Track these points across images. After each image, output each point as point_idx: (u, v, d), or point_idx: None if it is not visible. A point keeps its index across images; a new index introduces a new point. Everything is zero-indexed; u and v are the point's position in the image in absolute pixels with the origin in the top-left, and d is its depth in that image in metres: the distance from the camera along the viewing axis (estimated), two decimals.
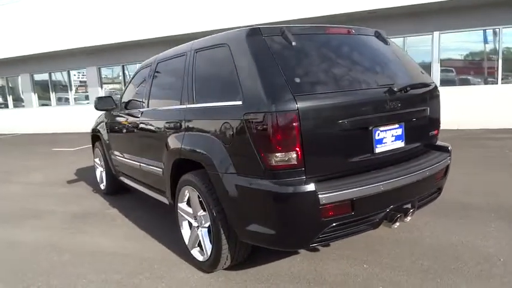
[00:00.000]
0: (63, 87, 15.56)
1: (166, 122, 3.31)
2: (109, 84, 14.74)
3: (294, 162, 2.29)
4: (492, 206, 4.00)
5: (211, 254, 2.87)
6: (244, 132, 2.41)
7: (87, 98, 15.32)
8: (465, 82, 9.71)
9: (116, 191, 5.34)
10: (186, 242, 3.21)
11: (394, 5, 8.78)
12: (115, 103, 4.56)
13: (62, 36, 13.14)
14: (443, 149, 3.06)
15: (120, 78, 14.19)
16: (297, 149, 2.28)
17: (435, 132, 3.07)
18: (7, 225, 4.54)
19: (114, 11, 12.34)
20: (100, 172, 5.59)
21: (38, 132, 15.56)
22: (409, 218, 2.69)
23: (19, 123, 16.14)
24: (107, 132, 4.94)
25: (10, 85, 16.94)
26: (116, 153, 4.73)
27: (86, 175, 6.89)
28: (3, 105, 17.28)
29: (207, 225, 2.95)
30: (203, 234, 2.98)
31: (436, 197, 3.08)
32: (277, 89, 2.31)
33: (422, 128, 2.92)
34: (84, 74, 15.04)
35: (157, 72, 3.76)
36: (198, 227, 3.06)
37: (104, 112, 5.50)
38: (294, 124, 2.26)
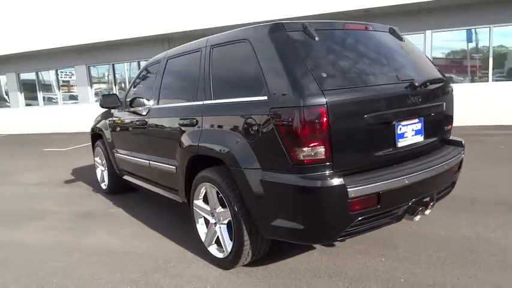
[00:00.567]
0: (46, 87, 15.26)
1: (181, 119, 3.28)
2: (95, 83, 14.53)
3: (322, 156, 2.30)
4: (497, 200, 4.09)
5: (231, 250, 2.85)
6: (270, 127, 2.41)
7: (72, 97, 15.08)
8: (454, 80, 9.89)
9: (119, 190, 5.27)
10: (203, 239, 3.19)
11: (386, 4, 8.88)
12: (120, 101, 4.49)
13: (50, 34, 12.89)
14: (458, 144, 3.11)
15: (110, 77, 14.00)
16: (325, 143, 2.29)
17: (449, 127, 3.12)
18: (9, 226, 4.43)
19: (105, 9, 12.17)
20: (101, 171, 5.50)
21: (25, 132, 15.23)
22: (428, 211, 2.73)
23: (5, 123, 15.76)
24: (110, 130, 4.87)
25: None
26: (121, 151, 4.66)
27: (83, 175, 6.78)
28: None
29: (226, 221, 2.94)
30: (222, 230, 2.97)
31: (450, 191, 3.13)
32: (305, 84, 2.31)
33: (439, 122, 2.96)
34: (68, 73, 14.80)
35: (167, 69, 3.72)
36: (215, 223, 3.04)
37: (105, 110, 5.44)
38: (323, 119, 2.27)
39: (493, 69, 9.33)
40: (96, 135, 5.47)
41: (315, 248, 3.25)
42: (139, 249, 3.52)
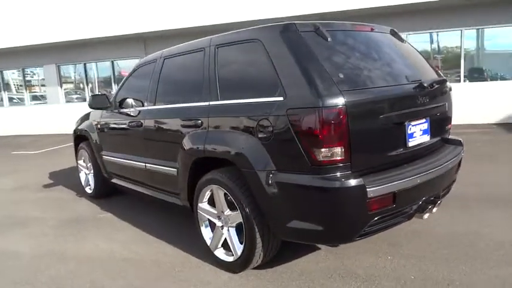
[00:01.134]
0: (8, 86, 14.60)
1: (183, 120, 3.20)
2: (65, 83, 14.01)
3: (341, 157, 2.30)
4: (483, 197, 4.24)
5: (242, 253, 2.80)
6: (287, 128, 2.38)
7: (34, 98, 14.46)
8: None
9: (105, 194, 5.09)
10: (208, 243, 3.12)
11: (367, 5, 9.07)
12: (109, 102, 4.33)
13: (17, 32, 12.30)
14: (457, 143, 3.20)
15: (82, 75, 13.52)
16: (344, 143, 2.29)
17: (449, 126, 3.21)
18: None
19: (77, 6, 11.74)
20: (85, 175, 5.29)
21: None
22: (435, 208, 2.79)
23: None
24: (98, 132, 4.69)
25: None
26: (110, 153, 4.50)
27: (62, 179, 6.50)
28: None
29: (234, 224, 2.89)
30: (231, 233, 2.91)
31: (451, 189, 3.22)
32: (323, 85, 2.30)
33: (442, 122, 3.04)
34: (29, 72, 14.22)
35: (164, 69, 3.62)
36: (222, 226, 2.99)
37: (90, 111, 5.25)
38: (342, 119, 2.27)
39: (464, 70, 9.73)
40: (80, 137, 5.26)
41: (320, 249, 3.25)
42: (139, 255, 3.40)
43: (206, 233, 3.16)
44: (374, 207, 2.34)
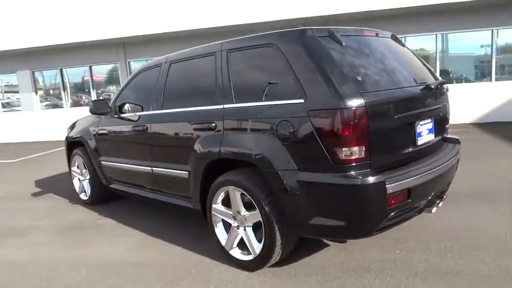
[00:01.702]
0: None
1: (195, 124, 3.25)
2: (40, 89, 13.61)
3: (362, 155, 2.43)
4: (473, 192, 4.49)
5: (261, 252, 2.88)
6: (308, 129, 2.49)
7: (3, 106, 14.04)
8: None
9: (102, 200, 5.05)
10: (223, 243, 3.18)
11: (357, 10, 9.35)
12: (109, 107, 4.31)
13: None
14: (455, 141, 3.41)
15: (52, 81, 13.18)
16: (365, 142, 2.43)
17: (448, 125, 3.41)
18: None
19: (52, 11, 11.47)
20: (79, 181, 5.22)
21: None
22: (441, 203, 2.97)
23: None
24: (96, 138, 4.64)
25: None
26: (110, 159, 4.47)
27: (50, 187, 6.35)
28: None
29: (251, 224, 2.96)
30: (248, 233, 2.99)
31: (450, 184, 3.42)
32: (344, 87, 2.43)
33: (443, 121, 3.23)
34: None
35: (171, 73, 3.66)
36: (238, 226, 3.06)
37: (84, 117, 5.20)
38: (363, 119, 2.40)
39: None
40: (73, 143, 5.18)
41: (329, 245, 3.37)
42: (151, 259, 3.42)
43: (220, 233, 3.21)
44: (392, 203, 2.49)
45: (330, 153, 2.44)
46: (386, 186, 2.41)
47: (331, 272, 2.95)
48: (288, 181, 2.60)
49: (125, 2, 10.95)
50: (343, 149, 2.40)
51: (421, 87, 2.86)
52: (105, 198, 5.04)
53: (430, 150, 3.03)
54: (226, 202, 3.13)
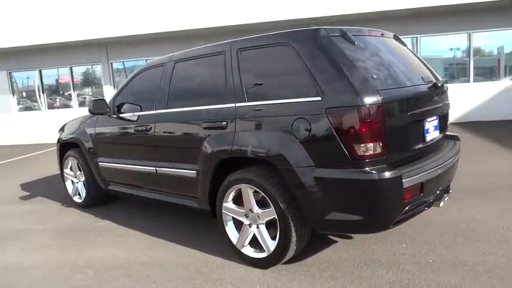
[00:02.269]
0: None
1: (204, 122, 3.25)
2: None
3: (379, 151, 2.50)
4: (466, 188, 4.62)
5: (275, 249, 2.90)
6: (326, 126, 2.54)
7: None
8: None
9: (97, 202, 4.95)
10: (234, 241, 3.18)
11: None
12: (108, 107, 4.25)
13: None
14: (456, 138, 3.53)
15: (35, 84, 12.81)
16: (382, 138, 2.49)
17: (448, 123, 3.54)
18: None
19: (31, 10, 11.15)
20: (73, 183, 5.10)
21: None
22: (447, 197, 3.08)
23: None
24: (93, 138, 4.55)
25: None
26: (109, 160, 4.39)
27: (37, 190, 6.16)
28: None
29: (264, 221, 2.98)
30: (261, 231, 3.00)
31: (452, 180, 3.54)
32: (361, 84, 2.49)
33: (445, 119, 3.34)
34: None
35: (176, 72, 3.64)
36: (250, 224, 3.07)
37: (77, 117, 5.10)
38: (381, 116, 2.47)
39: None
40: (67, 145, 5.06)
41: (337, 241, 3.43)
42: (158, 259, 3.38)
43: (231, 232, 3.21)
44: (407, 197, 2.56)
45: (348, 150, 2.49)
46: (403, 180, 2.49)
47: (344, 266, 3.00)
48: (304, 177, 2.64)
49: (108, 2, 10.76)
50: (362, 145, 2.46)
51: (429, 85, 2.96)
52: (101, 200, 4.96)
53: (435, 146, 3.13)
54: (237, 200, 3.14)
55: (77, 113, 11.81)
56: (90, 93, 12.97)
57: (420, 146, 2.87)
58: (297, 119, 2.67)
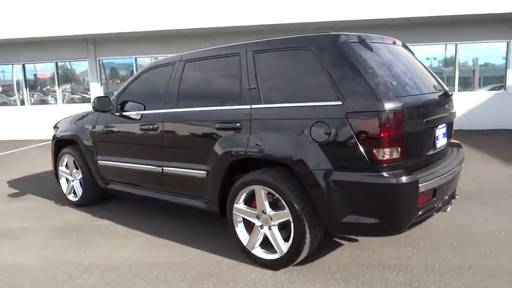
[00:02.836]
0: None
1: (218, 123, 3.24)
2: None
3: (397, 156, 2.56)
4: (461, 194, 4.78)
5: (289, 250, 2.92)
6: (346, 130, 2.59)
7: None
8: None
9: (94, 201, 4.86)
10: (245, 242, 3.19)
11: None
12: (112, 104, 4.18)
13: None
14: (458, 145, 3.65)
15: (17, 79, 12.44)
16: (401, 144, 2.56)
17: (453, 131, 3.65)
18: None
19: (16, 2, 10.83)
20: (68, 181, 4.98)
21: None
22: (454, 203, 3.18)
23: None
24: (93, 136, 4.47)
25: None
26: (110, 159, 4.32)
27: (27, 187, 5.99)
28: None
29: (277, 223, 3.00)
30: (274, 232, 3.02)
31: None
32: (383, 90, 2.55)
33: (451, 127, 3.45)
34: None
35: (186, 72, 3.62)
36: (262, 226, 3.09)
37: (76, 114, 5.01)
38: (400, 122, 2.54)
39: None
40: (63, 142, 4.95)
41: (343, 244, 3.48)
42: (165, 259, 3.35)
43: (242, 233, 3.22)
44: (422, 201, 2.63)
45: (368, 154, 2.54)
46: (419, 185, 2.56)
47: (354, 269, 3.05)
48: (322, 180, 2.68)
49: None
50: (381, 149, 2.52)
51: (440, 93, 3.06)
52: (98, 199, 4.87)
53: (442, 153, 3.23)
54: (248, 202, 3.15)
55: (62, 109, 11.66)
56: (69, 90, 12.68)
57: (431, 152, 2.96)
58: (316, 122, 2.71)
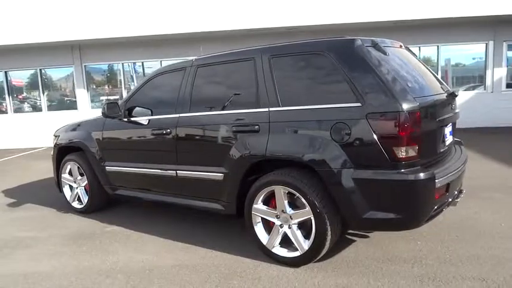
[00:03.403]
0: None
1: (235, 126, 3.33)
2: None
3: (415, 153, 2.72)
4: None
5: (310, 248, 3.03)
6: (367, 130, 2.73)
7: None
8: None
9: (101, 208, 4.86)
10: (264, 242, 3.28)
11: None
12: (120, 110, 4.21)
13: None
14: (460, 143, 3.85)
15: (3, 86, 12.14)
16: (418, 142, 2.71)
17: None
18: None
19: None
20: (73, 189, 4.96)
21: None
22: (462, 197, 3.36)
23: None
24: (100, 142, 4.47)
25: None
26: (119, 164, 4.33)
27: (25, 196, 5.89)
28: None
29: (297, 221, 3.11)
30: (295, 230, 3.12)
31: None
32: (401, 92, 2.71)
33: (455, 125, 3.64)
34: None
35: (199, 76, 3.69)
36: (281, 225, 3.19)
37: (80, 120, 5.00)
38: (418, 121, 2.69)
39: None
40: (66, 148, 4.92)
41: (355, 240, 3.62)
42: (185, 261, 3.41)
43: (261, 232, 3.31)
44: (437, 196, 2.80)
45: (388, 152, 2.68)
46: (436, 181, 2.72)
47: (370, 263, 3.18)
48: (344, 179, 2.80)
49: (83, 3, 10.47)
50: (401, 148, 2.67)
51: (448, 94, 3.24)
52: (104, 205, 4.87)
53: (449, 150, 3.41)
54: (267, 202, 3.25)
55: (47, 116, 11.47)
56: (39, 98, 12.37)
57: (441, 150, 3.13)
58: (336, 123, 2.84)
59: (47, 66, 11.80)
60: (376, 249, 3.44)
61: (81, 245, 3.93)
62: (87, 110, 11.57)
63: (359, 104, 2.77)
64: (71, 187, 5.00)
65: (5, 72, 11.91)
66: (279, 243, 3.24)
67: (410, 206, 2.73)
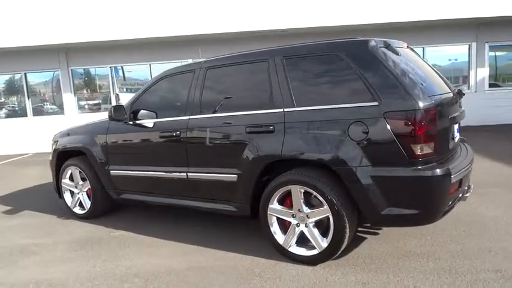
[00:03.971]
0: None
1: (248, 127, 3.35)
2: None
3: (431, 150, 2.79)
4: None
5: (328, 245, 3.07)
6: (384, 128, 2.79)
7: None
8: None
9: (103, 212, 4.79)
10: (281, 241, 3.30)
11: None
12: (126, 113, 4.16)
13: None
14: (463, 140, 3.96)
15: None
16: (435, 139, 2.79)
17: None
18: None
19: None
20: (74, 194, 4.86)
21: None
22: (471, 192, 3.46)
23: None
24: (105, 146, 4.41)
25: None
26: (125, 168, 4.28)
27: (21, 203, 5.75)
28: None
29: (314, 220, 3.15)
30: (312, 229, 3.16)
31: None
32: (417, 91, 2.78)
33: (460, 123, 3.75)
34: None
35: (208, 78, 3.70)
36: (298, 224, 3.22)
37: (82, 124, 4.92)
38: (434, 119, 2.77)
39: None
40: (68, 153, 4.84)
41: (367, 237, 3.68)
42: (202, 264, 3.40)
43: (277, 232, 3.33)
44: (452, 191, 2.88)
45: (406, 150, 2.75)
46: (451, 176, 2.80)
47: (386, 259, 3.25)
48: (362, 177, 2.86)
49: (69, 7, 10.30)
50: (418, 145, 2.74)
51: (456, 92, 3.34)
52: (107, 210, 4.80)
53: (457, 147, 3.51)
54: (282, 201, 3.28)
55: (32, 122, 11.22)
56: (16, 104, 12.14)
57: (451, 146, 3.23)
58: (353, 122, 2.89)
59: (33, 70, 11.54)
60: (388, 245, 3.50)
61: (89, 250, 3.87)
62: (74, 114, 11.37)
63: (376, 103, 2.83)
64: (72, 193, 4.91)
65: None
66: (295, 243, 3.27)
67: (427, 202, 2.81)
